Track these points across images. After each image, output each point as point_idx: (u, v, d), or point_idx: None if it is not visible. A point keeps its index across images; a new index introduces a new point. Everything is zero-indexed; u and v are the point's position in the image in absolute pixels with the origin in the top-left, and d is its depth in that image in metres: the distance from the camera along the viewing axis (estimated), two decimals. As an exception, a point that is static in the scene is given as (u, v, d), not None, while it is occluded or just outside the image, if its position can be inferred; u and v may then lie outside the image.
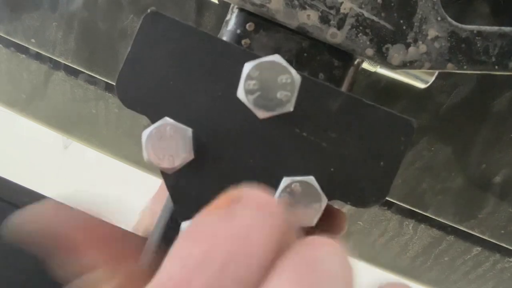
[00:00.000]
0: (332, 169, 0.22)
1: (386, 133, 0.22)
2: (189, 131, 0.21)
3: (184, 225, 0.22)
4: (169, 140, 0.21)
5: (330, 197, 0.21)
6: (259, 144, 0.22)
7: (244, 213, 0.16)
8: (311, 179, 0.21)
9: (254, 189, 0.17)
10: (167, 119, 0.21)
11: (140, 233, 0.28)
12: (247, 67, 0.20)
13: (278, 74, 0.20)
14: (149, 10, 0.22)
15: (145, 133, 0.21)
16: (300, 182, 0.21)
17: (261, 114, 0.21)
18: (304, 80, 0.21)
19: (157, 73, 0.22)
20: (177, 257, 0.15)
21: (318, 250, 0.16)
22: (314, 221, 0.21)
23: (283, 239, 0.16)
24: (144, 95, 0.22)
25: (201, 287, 0.14)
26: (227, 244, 0.15)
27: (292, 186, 0.21)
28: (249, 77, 0.20)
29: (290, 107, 0.21)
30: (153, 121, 0.22)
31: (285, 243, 0.16)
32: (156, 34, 0.22)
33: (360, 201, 0.22)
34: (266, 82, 0.20)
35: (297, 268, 0.15)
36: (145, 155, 0.21)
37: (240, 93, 0.21)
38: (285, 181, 0.21)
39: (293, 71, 0.20)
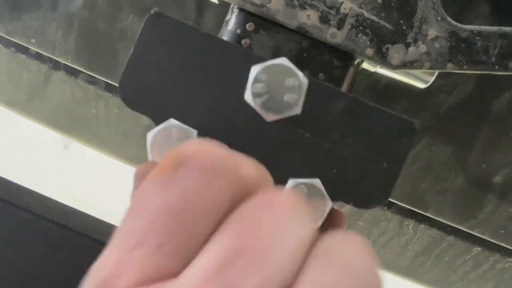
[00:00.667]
0: (335, 170, 0.22)
1: (389, 134, 0.22)
2: (194, 132, 0.21)
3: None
4: (174, 142, 0.21)
5: (333, 198, 0.21)
6: (264, 146, 0.22)
7: (186, 180, 0.15)
8: (317, 181, 0.21)
9: (203, 145, 0.16)
10: (172, 121, 0.21)
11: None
12: (254, 70, 0.20)
13: (285, 77, 0.20)
14: (152, 11, 0.22)
15: (150, 135, 0.21)
16: (306, 184, 0.21)
17: (269, 117, 0.21)
18: (310, 82, 0.21)
19: (160, 74, 0.22)
20: (118, 236, 0.15)
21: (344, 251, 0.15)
22: (318, 223, 0.21)
23: (237, 195, 0.15)
24: (148, 96, 0.22)
25: (136, 269, 0.14)
26: (165, 221, 0.14)
27: (298, 188, 0.21)
28: (256, 80, 0.20)
29: (297, 110, 0.21)
30: (157, 122, 0.22)
31: (241, 196, 0.15)
32: (159, 35, 0.22)
33: (363, 202, 0.22)
34: (273, 85, 0.20)
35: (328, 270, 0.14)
36: (150, 157, 0.21)
37: (248, 96, 0.20)
38: (291, 182, 0.21)
39: (300, 74, 0.20)
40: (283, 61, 0.20)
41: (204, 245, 0.14)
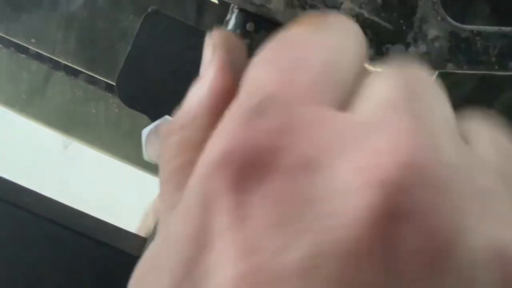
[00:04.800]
0: None
1: None
2: None
3: None
4: None
5: None
6: None
7: (334, 31, 0.15)
8: None
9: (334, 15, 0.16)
10: (168, 117, 0.21)
11: (143, 234, 0.28)
12: None
13: None
14: (149, 9, 0.22)
15: (145, 131, 0.21)
16: None
17: None
18: None
19: (157, 72, 0.22)
20: (268, 61, 0.14)
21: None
22: None
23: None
24: (144, 94, 0.22)
25: (302, 88, 0.13)
26: (323, 53, 0.14)
27: None
28: None
29: None
30: (153, 120, 0.22)
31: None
32: (157, 33, 0.22)
33: None
34: None
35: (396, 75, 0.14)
36: (144, 153, 0.21)
37: None
38: None
39: None
40: None
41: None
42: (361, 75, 0.14)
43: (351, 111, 0.13)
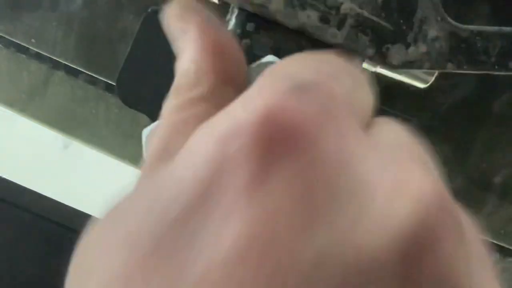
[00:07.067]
0: None
1: None
2: None
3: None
4: None
5: None
6: None
7: (360, 72, 0.15)
8: None
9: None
10: None
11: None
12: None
13: None
14: (150, 9, 0.22)
15: (145, 131, 0.21)
16: None
17: None
18: None
19: (157, 71, 0.22)
20: (304, 59, 0.14)
21: None
22: None
23: None
24: (145, 94, 0.22)
25: (340, 92, 0.12)
26: (353, 78, 0.14)
27: None
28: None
29: None
30: (153, 120, 0.22)
31: None
32: (157, 33, 0.22)
33: None
34: None
35: None
36: (144, 153, 0.21)
37: None
38: None
39: None
40: (271, 58, 0.20)
41: None
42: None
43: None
